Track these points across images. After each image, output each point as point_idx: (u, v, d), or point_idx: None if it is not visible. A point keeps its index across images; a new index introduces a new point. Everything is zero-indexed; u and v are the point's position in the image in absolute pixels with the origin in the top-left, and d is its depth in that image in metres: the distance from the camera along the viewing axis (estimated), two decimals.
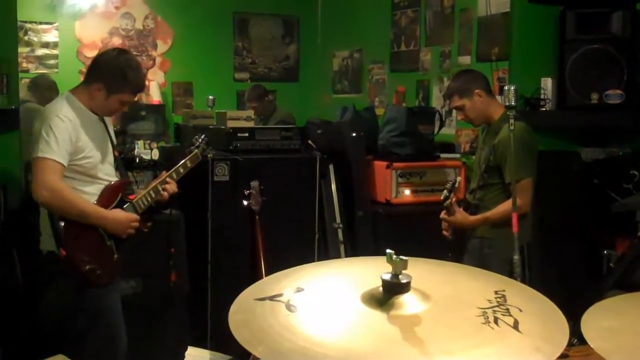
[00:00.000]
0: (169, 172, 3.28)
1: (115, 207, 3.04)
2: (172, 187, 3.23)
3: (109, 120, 3.30)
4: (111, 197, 3.04)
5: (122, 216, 3.03)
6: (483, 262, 3.39)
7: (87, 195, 2.98)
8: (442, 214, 3.53)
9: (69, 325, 3.01)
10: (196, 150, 3.43)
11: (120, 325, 3.12)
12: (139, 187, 3.77)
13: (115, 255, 3.03)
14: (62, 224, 2.86)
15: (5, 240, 3.44)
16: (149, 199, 3.17)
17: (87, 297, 2.96)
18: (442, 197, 3.44)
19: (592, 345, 1.44)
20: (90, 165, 2.98)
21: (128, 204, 3.10)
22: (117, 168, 3.18)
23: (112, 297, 3.09)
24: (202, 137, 3.53)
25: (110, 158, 3.14)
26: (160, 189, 3.20)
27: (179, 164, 3.33)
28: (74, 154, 2.91)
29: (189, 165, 3.36)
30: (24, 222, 2.99)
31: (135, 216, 3.07)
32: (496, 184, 3.47)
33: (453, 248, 3.54)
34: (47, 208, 2.89)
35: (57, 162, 2.84)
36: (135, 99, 6.15)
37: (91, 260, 2.90)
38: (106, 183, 3.05)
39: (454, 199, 3.46)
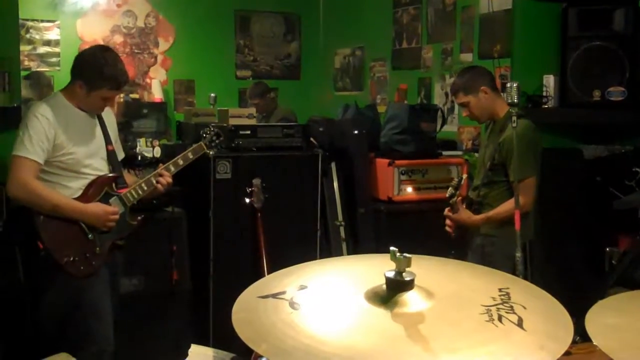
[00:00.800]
0: (167, 164, 3.31)
1: (100, 200, 3.11)
2: (166, 179, 3.25)
3: (110, 115, 3.32)
4: (95, 191, 3.11)
5: (98, 209, 3.08)
6: (486, 259, 3.39)
7: (71, 190, 3.06)
8: (447, 211, 3.53)
9: (63, 321, 3.07)
10: (201, 142, 3.44)
11: (104, 318, 3.16)
12: None
13: (98, 248, 3.09)
14: (41, 218, 2.96)
15: (7, 238, 3.44)
16: (140, 192, 3.21)
17: (75, 289, 3.04)
18: (447, 195, 3.44)
19: (595, 343, 1.44)
20: (73, 161, 3.06)
21: (114, 197, 3.15)
22: (110, 162, 3.22)
23: (97, 289, 3.13)
24: (212, 129, 3.53)
25: (102, 153, 3.19)
26: (154, 181, 3.23)
27: (179, 156, 3.36)
28: (53, 150, 3.00)
29: (190, 156, 3.37)
30: (25, 221, 3.01)
31: (112, 209, 3.12)
32: (501, 182, 3.47)
33: (456, 245, 3.54)
34: (20, 203, 2.99)
35: (30, 159, 2.95)
36: (132, 96, 6.16)
37: (70, 253, 2.99)
38: (91, 178, 3.12)
39: (459, 198, 3.46)
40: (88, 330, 3.09)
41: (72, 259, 3.00)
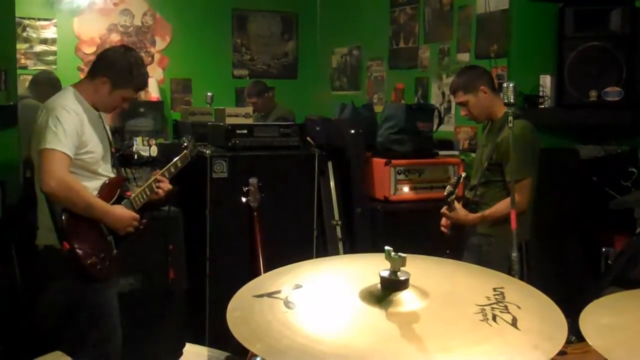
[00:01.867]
0: (162, 171, 3.32)
1: (114, 203, 3.05)
2: (166, 185, 3.26)
3: (105, 117, 3.31)
4: (110, 193, 3.05)
5: (124, 213, 3.04)
6: (482, 259, 3.39)
7: (89, 190, 2.98)
8: (444, 209, 3.53)
9: (68, 322, 3.01)
10: (185, 151, 3.45)
11: (117, 320, 3.13)
12: (137, 184, 3.77)
13: (114, 251, 3.04)
14: (64, 217, 2.85)
15: (4, 237, 3.44)
16: (145, 196, 3.20)
17: (87, 291, 2.96)
18: (445, 193, 3.44)
19: (590, 343, 1.44)
20: (93, 160, 2.99)
21: (126, 200, 3.11)
22: (113, 165, 3.20)
23: (110, 292, 3.09)
24: (189, 137, 3.54)
25: (108, 155, 3.15)
26: (155, 187, 3.23)
27: (169, 164, 3.37)
28: (78, 147, 2.91)
29: (179, 165, 3.40)
30: (22, 219, 2.99)
31: (136, 215, 3.08)
32: (497, 182, 3.47)
33: (451, 245, 3.54)
34: (54, 199, 2.87)
35: (65, 153, 2.84)
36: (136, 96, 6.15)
37: (92, 255, 2.90)
38: (104, 179, 3.06)
39: (455, 196, 3.47)
40: (97, 332, 3.02)
41: (93, 260, 2.91)
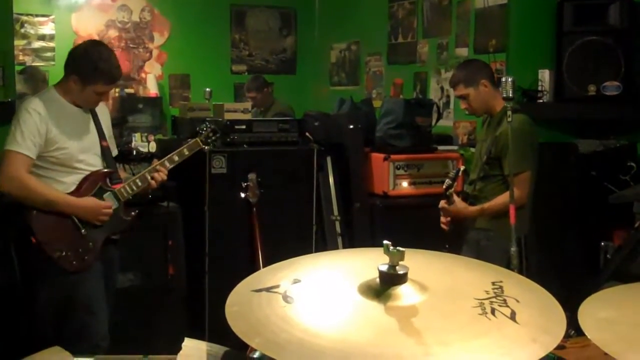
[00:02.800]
0: (162, 160, 3.30)
1: (94, 196, 3.10)
2: (161, 175, 3.24)
3: (104, 111, 3.31)
4: (89, 186, 3.11)
5: (91, 204, 3.08)
6: (481, 253, 3.40)
7: (65, 185, 3.06)
8: (442, 203, 3.53)
9: (58, 316, 3.08)
10: (196, 139, 3.43)
11: (98, 313, 3.16)
12: None
13: (91, 243, 3.09)
14: (33, 213, 2.96)
15: (2, 234, 3.43)
16: (134, 187, 3.21)
17: (66, 283, 3.04)
18: (444, 186, 3.44)
19: (589, 336, 1.44)
20: (66, 156, 3.05)
21: (108, 192, 3.15)
22: (104, 158, 3.22)
23: (90, 284, 3.13)
24: (209, 125, 3.52)
25: (96, 149, 3.19)
26: (148, 177, 3.23)
27: (174, 152, 3.34)
28: (46, 145, 3.00)
29: (186, 153, 3.35)
30: (20, 217, 3.00)
31: (105, 203, 3.12)
32: (496, 176, 3.48)
33: (450, 239, 3.54)
34: (13, 198, 2.98)
35: (22, 154, 2.94)
36: (128, 90, 6.16)
37: (62, 248, 3.00)
38: (85, 173, 3.12)
39: (454, 190, 3.47)
40: (82, 325, 3.09)
41: (64, 253, 3.00)
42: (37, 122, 2.98)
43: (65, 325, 3.07)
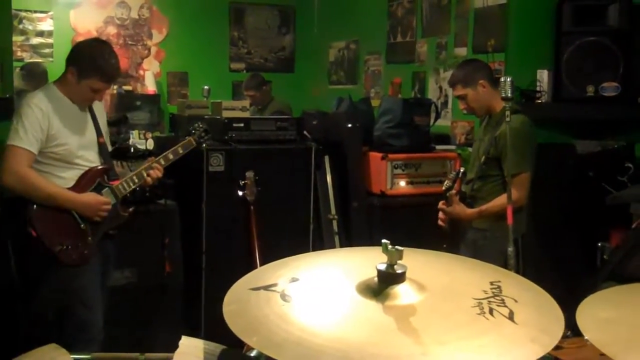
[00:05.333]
0: (158, 158, 3.34)
1: (92, 191, 3.14)
2: (156, 173, 3.28)
3: (100, 108, 3.32)
4: (88, 182, 3.15)
5: (91, 199, 3.12)
6: (479, 253, 3.39)
7: (64, 180, 3.09)
8: (441, 204, 3.53)
9: (55, 310, 3.11)
10: (190, 137, 3.46)
11: (95, 307, 3.19)
12: None
13: (89, 238, 3.12)
14: (34, 207, 2.99)
15: (0, 231, 3.43)
16: (131, 184, 3.25)
17: (63, 276, 3.07)
18: (444, 187, 3.44)
19: (586, 337, 1.44)
20: (66, 152, 3.08)
21: (107, 188, 3.19)
22: (102, 154, 3.24)
23: (87, 277, 3.16)
24: (201, 125, 3.56)
25: (94, 145, 3.22)
26: (144, 174, 3.26)
27: (169, 150, 3.38)
28: (47, 141, 3.03)
29: (180, 151, 3.40)
30: (18, 213, 3.01)
31: (105, 199, 3.15)
32: (494, 176, 3.47)
33: (448, 239, 3.54)
34: (15, 193, 3.01)
35: (24, 149, 2.97)
36: (126, 88, 6.14)
37: (62, 241, 3.03)
38: (84, 169, 3.14)
39: (453, 191, 3.46)
40: (78, 318, 3.13)
41: (64, 247, 3.03)
42: (39, 118, 3.00)
43: (63, 319, 3.10)
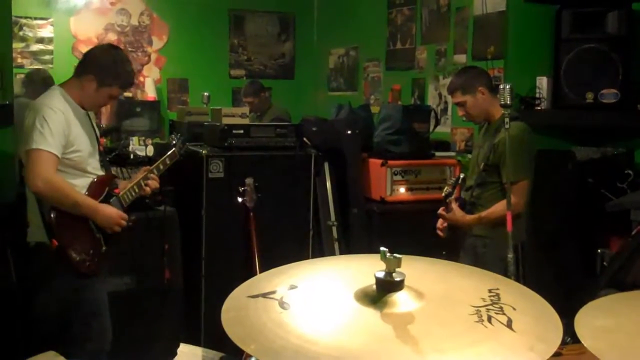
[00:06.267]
0: (151, 168, 3.34)
1: (103, 200, 3.09)
2: (154, 183, 3.29)
3: (92, 115, 3.32)
4: (98, 190, 3.10)
5: (112, 212, 3.07)
6: (478, 260, 3.39)
7: (77, 188, 3.02)
8: (441, 210, 3.53)
9: (61, 320, 3.04)
10: (174, 149, 3.47)
11: (107, 319, 3.16)
12: None
13: (104, 248, 3.08)
14: (53, 215, 2.89)
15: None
16: (133, 193, 3.24)
17: (77, 287, 3.01)
18: (443, 194, 3.44)
19: (585, 344, 1.44)
20: (80, 158, 3.02)
21: (114, 197, 3.16)
22: (102, 162, 3.22)
23: (100, 288, 3.13)
24: (178, 135, 3.57)
25: (97, 153, 3.18)
26: (143, 184, 3.26)
27: (158, 161, 3.40)
28: (66, 146, 2.94)
29: (168, 162, 3.43)
30: (17, 218, 2.99)
31: (124, 214, 3.12)
32: (494, 183, 3.47)
33: (448, 246, 3.54)
34: (42, 199, 2.91)
35: (52, 153, 2.87)
36: (126, 94, 6.16)
37: (81, 251, 2.97)
38: (93, 177, 3.09)
39: (453, 197, 3.47)
40: (87, 329, 3.07)
41: (82, 257, 2.97)
42: (62, 122, 2.92)
43: (72, 329, 3.04)
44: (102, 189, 3.11)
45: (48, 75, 5.71)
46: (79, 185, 3.03)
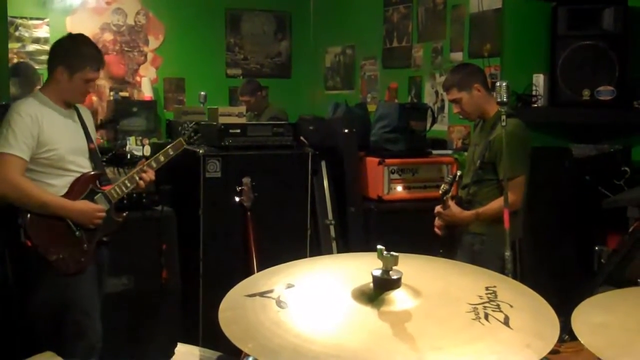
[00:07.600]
0: (149, 160, 3.32)
1: (85, 198, 3.10)
2: (149, 175, 3.26)
3: (87, 114, 3.31)
4: (81, 188, 3.11)
5: (85, 207, 3.09)
6: (476, 258, 3.39)
7: (56, 188, 3.06)
8: (438, 208, 3.53)
9: (53, 319, 3.07)
10: (180, 138, 3.44)
11: (93, 315, 3.17)
12: None
13: (85, 245, 3.09)
14: (28, 215, 2.95)
15: None
16: (124, 188, 3.22)
17: (61, 285, 3.04)
18: (440, 191, 3.44)
19: (582, 341, 1.44)
20: (57, 157, 3.05)
21: (99, 194, 3.15)
22: (93, 160, 3.22)
23: (84, 286, 3.13)
24: (191, 124, 3.55)
25: (85, 151, 3.19)
26: (136, 178, 3.24)
27: (160, 152, 3.36)
28: (37, 147, 2.99)
29: (170, 153, 3.37)
30: (13, 219, 2.99)
31: (99, 207, 3.12)
32: (490, 180, 3.47)
33: (445, 244, 3.54)
34: (7, 201, 2.97)
35: (16, 156, 2.94)
36: (122, 94, 6.14)
37: (58, 250, 3.00)
38: (76, 175, 3.11)
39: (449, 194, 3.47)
40: (77, 327, 3.10)
41: (60, 256, 3.00)
42: (28, 124, 2.97)
43: (62, 328, 3.07)
44: (84, 187, 3.12)
45: (31, 65, 5.68)
46: (59, 184, 3.06)
